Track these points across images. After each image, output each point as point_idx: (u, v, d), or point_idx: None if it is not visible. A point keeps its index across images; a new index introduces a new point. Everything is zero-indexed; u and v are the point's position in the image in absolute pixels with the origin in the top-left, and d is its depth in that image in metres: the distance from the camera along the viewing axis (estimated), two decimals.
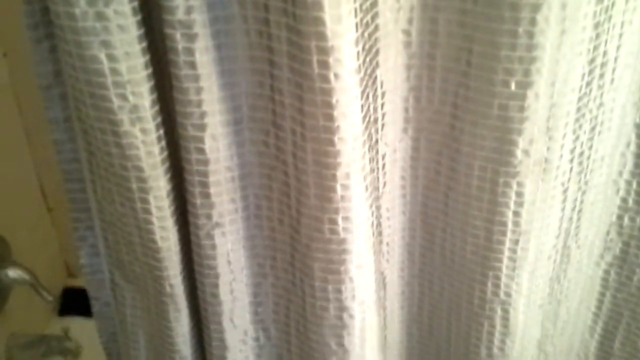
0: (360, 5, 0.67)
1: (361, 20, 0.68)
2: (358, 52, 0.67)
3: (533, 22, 0.70)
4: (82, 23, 0.64)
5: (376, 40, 0.76)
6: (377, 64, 0.78)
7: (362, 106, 0.71)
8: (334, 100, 0.67)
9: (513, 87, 0.74)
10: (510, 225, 0.82)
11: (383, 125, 0.83)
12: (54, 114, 0.76)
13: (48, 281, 1.64)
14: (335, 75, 0.65)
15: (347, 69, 0.66)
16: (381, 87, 0.80)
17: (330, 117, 0.68)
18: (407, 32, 0.78)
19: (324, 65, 0.65)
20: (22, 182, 1.92)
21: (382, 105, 0.82)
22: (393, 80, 0.81)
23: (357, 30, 0.66)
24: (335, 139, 0.69)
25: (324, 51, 0.64)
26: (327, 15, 0.62)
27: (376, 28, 0.76)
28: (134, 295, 0.90)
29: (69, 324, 1.75)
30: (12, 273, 1.57)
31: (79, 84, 0.69)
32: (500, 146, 0.78)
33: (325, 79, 0.66)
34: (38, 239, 1.98)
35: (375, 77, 0.78)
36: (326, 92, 0.66)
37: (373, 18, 0.74)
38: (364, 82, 0.72)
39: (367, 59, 0.74)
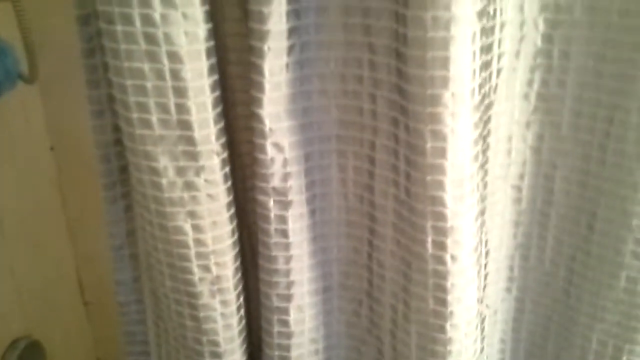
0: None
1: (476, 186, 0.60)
2: (476, 229, 0.58)
3: None
4: (169, 194, 0.57)
5: (483, 198, 0.68)
6: (482, 221, 0.69)
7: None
8: (449, 284, 0.57)
9: None
10: None
11: (485, 286, 0.73)
12: (122, 276, 0.68)
13: None
14: (453, 258, 0.57)
15: (467, 250, 0.57)
16: (485, 245, 0.71)
17: (443, 302, 0.58)
18: (517, 188, 0.70)
19: (441, 246, 0.56)
20: (60, 277, 1.84)
21: (485, 265, 0.72)
22: (499, 237, 0.72)
23: (477, 205, 0.57)
24: (448, 325, 0.59)
25: (442, 232, 0.56)
26: (449, 195, 0.54)
27: (485, 185, 0.67)
28: None
29: None
30: None
31: (157, 253, 0.61)
32: (626, 322, 0.67)
33: (441, 261, 0.57)
34: (73, 336, 1.89)
35: (482, 237, 0.69)
36: (441, 275, 0.57)
37: (482, 178, 0.66)
38: (478, 247, 0.63)
39: (480, 221, 0.65)
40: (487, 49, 0.59)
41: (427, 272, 0.58)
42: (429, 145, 0.52)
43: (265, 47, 0.53)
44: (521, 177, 0.69)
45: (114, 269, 0.68)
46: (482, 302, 0.70)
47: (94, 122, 0.60)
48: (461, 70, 0.50)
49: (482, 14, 0.51)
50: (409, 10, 0.49)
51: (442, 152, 0.52)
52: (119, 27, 0.51)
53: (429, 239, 0.56)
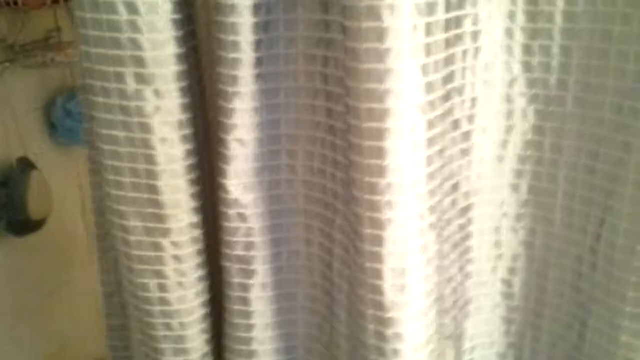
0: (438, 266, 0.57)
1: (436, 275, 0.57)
2: (427, 324, 0.55)
3: None
4: (137, 251, 0.60)
5: (464, 289, 0.64)
6: (465, 314, 0.66)
7: None
8: None
9: None
10: None
11: None
12: (113, 322, 0.72)
13: None
14: (395, 352, 0.54)
15: (412, 345, 0.54)
16: (470, 340, 0.67)
17: None
18: (507, 283, 0.65)
19: (381, 337, 0.54)
20: None
21: None
22: (488, 333, 0.67)
23: (425, 298, 0.55)
24: None
25: (381, 322, 0.54)
26: (387, 284, 0.53)
27: (467, 276, 0.64)
28: None
29: None
30: None
31: (129, 306, 0.65)
32: None
33: (382, 353, 0.55)
34: None
35: (462, 332, 0.66)
36: None
37: (462, 267, 0.63)
38: (441, 343, 0.60)
39: (449, 317, 0.62)
40: (455, 139, 0.58)
41: None
42: (367, 231, 0.52)
43: (230, 123, 0.56)
44: (512, 272, 0.65)
45: (106, 315, 0.72)
46: None
47: (91, 178, 0.66)
48: (399, 161, 0.49)
49: (429, 106, 0.50)
50: (350, 100, 0.50)
51: (379, 240, 0.51)
52: (100, 99, 0.57)
53: (371, 327, 0.55)
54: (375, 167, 0.50)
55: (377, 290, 0.53)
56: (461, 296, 0.64)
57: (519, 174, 0.61)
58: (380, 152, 0.49)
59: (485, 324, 0.67)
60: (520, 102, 0.59)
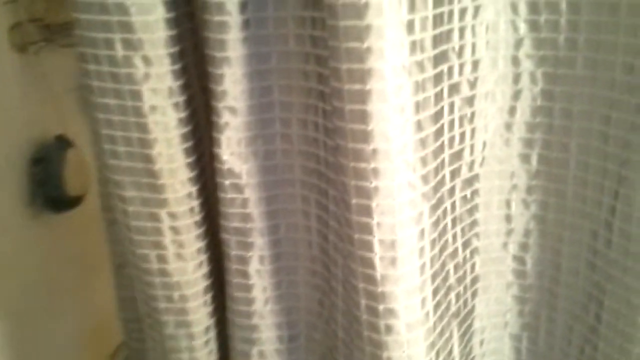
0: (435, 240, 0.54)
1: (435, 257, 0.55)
2: (423, 300, 0.53)
3: None
4: (135, 222, 0.61)
5: (472, 266, 0.61)
6: (473, 292, 0.62)
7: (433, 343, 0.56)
8: (384, 356, 0.53)
9: None
10: None
11: None
12: (124, 293, 0.73)
13: None
14: (387, 328, 0.52)
15: (406, 322, 0.52)
16: (481, 320, 0.64)
17: None
18: (520, 260, 0.62)
19: (374, 313, 0.52)
20: None
21: (482, 342, 0.65)
22: (501, 314, 0.64)
23: (420, 273, 0.52)
24: None
25: (373, 297, 0.52)
26: (377, 257, 0.50)
27: (474, 252, 0.61)
28: None
29: None
30: None
31: (134, 279, 0.65)
32: None
33: (375, 329, 0.53)
34: None
35: (470, 310, 0.63)
36: (376, 345, 0.53)
37: (468, 242, 0.60)
38: (442, 323, 0.57)
39: (454, 294, 0.59)
40: (455, 104, 0.54)
41: (363, 338, 0.54)
42: (354, 201, 0.50)
43: (220, 90, 0.55)
44: (524, 248, 0.61)
45: (116, 286, 0.73)
46: None
47: (93, 148, 0.66)
48: (384, 125, 0.47)
49: (417, 66, 0.47)
50: (332, 61, 0.48)
51: (366, 210, 0.49)
52: (92, 67, 0.56)
53: (363, 302, 0.52)
54: (360, 133, 0.47)
55: (367, 263, 0.50)
56: (468, 273, 0.61)
57: (528, 143, 0.58)
58: (363, 116, 0.47)
59: (497, 304, 0.64)
60: (527, 65, 0.55)
